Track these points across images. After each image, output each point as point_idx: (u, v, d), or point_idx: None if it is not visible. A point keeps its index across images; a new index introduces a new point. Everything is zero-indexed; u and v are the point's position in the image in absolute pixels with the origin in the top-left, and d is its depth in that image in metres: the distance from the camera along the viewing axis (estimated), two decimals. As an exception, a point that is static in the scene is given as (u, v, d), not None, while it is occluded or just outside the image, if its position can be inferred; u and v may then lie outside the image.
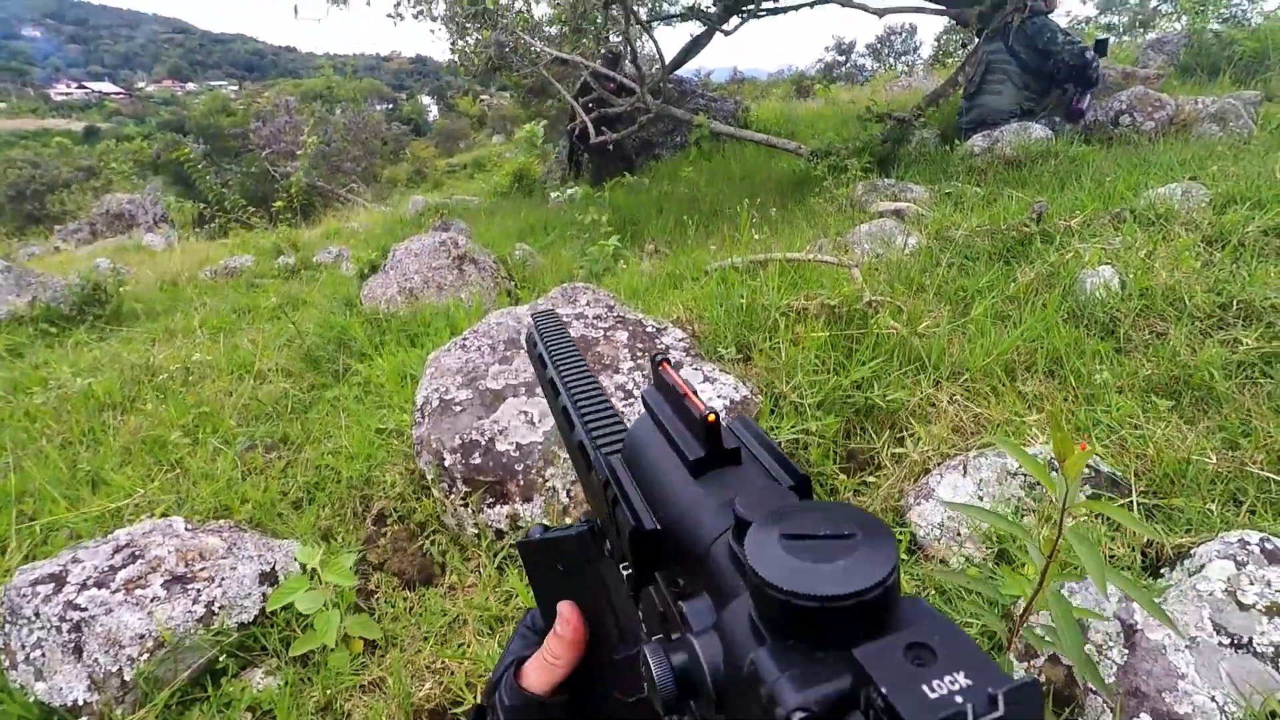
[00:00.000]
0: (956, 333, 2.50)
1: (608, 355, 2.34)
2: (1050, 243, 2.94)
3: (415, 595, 1.99)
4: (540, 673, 0.54)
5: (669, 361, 0.43)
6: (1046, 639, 1.04)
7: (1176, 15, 12.64)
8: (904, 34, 25.65)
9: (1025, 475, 1.79)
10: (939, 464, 1.96)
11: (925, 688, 0.22)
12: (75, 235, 11.46)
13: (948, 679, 0.22)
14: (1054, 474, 0.95)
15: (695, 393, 0.40)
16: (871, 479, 2.05)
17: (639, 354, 2.36)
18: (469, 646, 1.78)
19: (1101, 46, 5.15)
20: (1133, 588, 0.95)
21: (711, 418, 0.38)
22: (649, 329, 2.50)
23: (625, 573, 0.44)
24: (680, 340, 2.48)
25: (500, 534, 2.03)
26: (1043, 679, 1.32)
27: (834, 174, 4.83)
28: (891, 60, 25.41)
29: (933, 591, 1.69)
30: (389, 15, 7.46)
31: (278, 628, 1.86)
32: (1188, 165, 3.67)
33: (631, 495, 0.41)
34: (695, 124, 6.62)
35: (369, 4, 7.38)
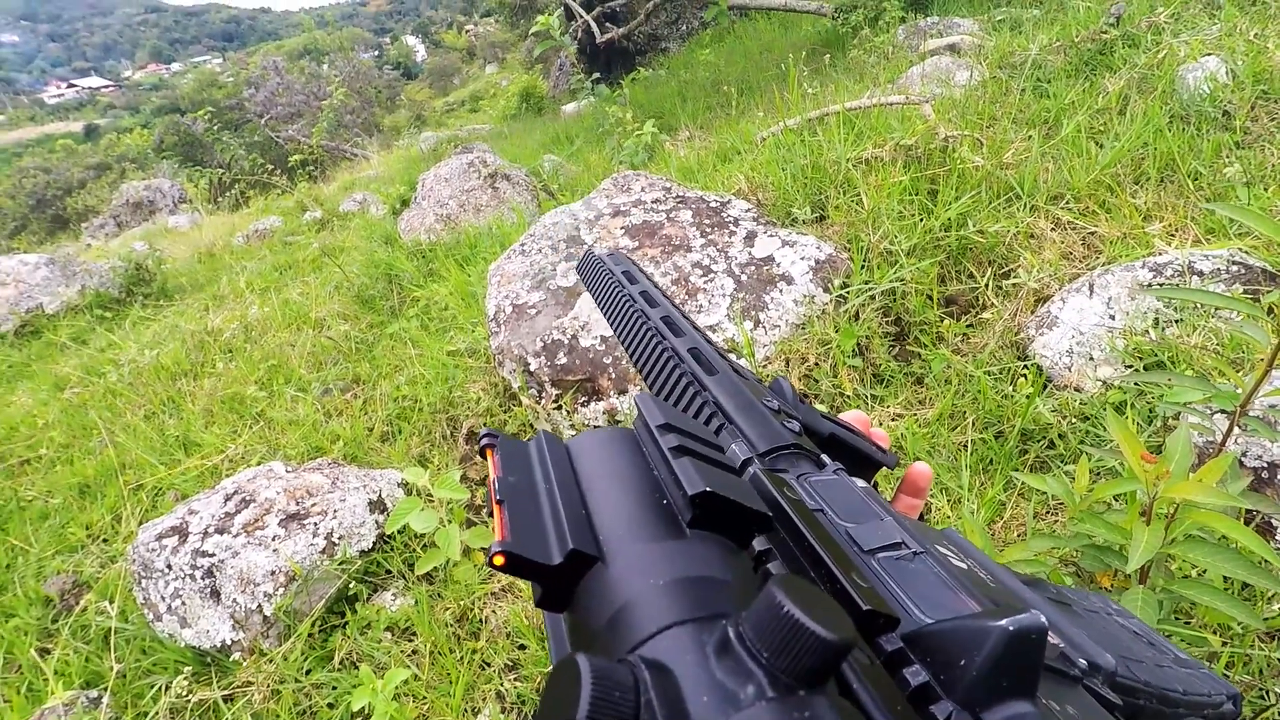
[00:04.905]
0: (1047, 157, 2.28)
1: (676, 237, 2.21)
2: (1136, 45, 2.65)
3: (525, 503, 1.96)
4: None
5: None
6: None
7: None
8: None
9: (1164, 283, 1.63)
10: (1057, 291, 1.82)
11: None
12: (102, 230, 11.53)
13: None
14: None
15: None
16: (980, 319, 1.92)
17: (708, 230, 2.22)
18: (591, 542, 1.76)
19: None
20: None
21: None
22: (712, 204, 2.35)
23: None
24: (747, 211, 2.33)
25: (599, 432, 1.97)
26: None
27: (869, 23, 4.45)
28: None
29: (1073, 420, 1.59)
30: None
31: (398, 551, 1.86)
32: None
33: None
34: (711, 1, 6.16)
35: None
